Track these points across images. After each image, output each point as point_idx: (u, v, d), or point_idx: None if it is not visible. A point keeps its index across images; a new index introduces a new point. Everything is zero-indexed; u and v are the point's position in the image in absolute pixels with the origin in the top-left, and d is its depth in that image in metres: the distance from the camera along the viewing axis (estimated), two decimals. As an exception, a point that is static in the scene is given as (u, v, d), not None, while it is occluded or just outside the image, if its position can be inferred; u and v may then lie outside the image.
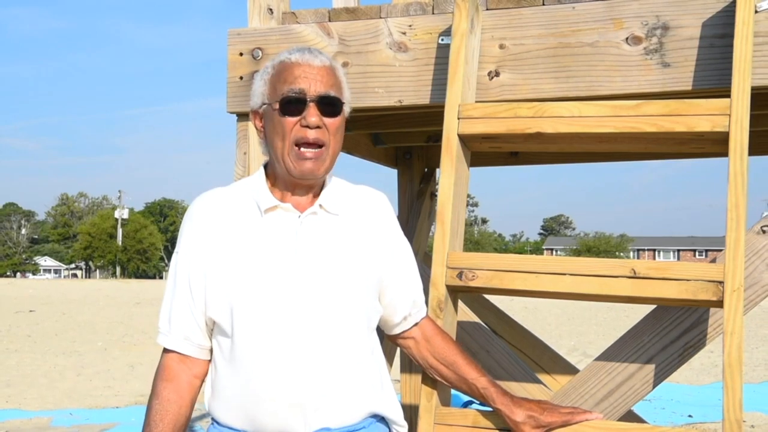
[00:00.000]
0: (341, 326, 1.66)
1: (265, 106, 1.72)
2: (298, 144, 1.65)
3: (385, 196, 1.86)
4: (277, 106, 1.67)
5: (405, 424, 1.80)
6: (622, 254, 76.10)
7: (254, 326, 1.63)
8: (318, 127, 1.65)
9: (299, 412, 1.61)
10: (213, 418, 1.71)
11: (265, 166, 1.78)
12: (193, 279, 1.68)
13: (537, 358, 3.23)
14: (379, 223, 1.79)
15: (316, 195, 1.73)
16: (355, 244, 1.72)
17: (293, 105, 1.66)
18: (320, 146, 1.66)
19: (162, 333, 1.72)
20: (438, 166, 2.37)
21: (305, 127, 1.64)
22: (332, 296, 1.65)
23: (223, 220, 1.70)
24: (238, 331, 1.63)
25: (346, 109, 1.73)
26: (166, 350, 1.72)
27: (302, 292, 1.63)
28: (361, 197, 1.80)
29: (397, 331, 1.86)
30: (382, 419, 1.75)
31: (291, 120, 1.65)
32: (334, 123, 1.67)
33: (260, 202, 1.70)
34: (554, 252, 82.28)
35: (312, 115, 1.64)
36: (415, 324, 1.86)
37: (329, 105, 1.67)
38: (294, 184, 1.70)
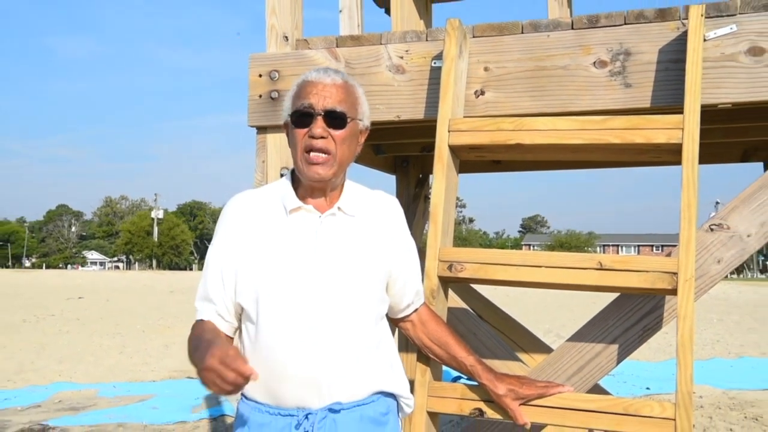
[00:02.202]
0: (353, 314, 1.65)
1: (288, 118, 1.71)
2: (308, 151, 1.64)
3: (396, 200, 1.84)
4: (290, 119, 1.67)
5: (412, 397, 1.80)
6: (589, 249, 76.08)
7: (277, 313, 1.62)
8: (323, 137, 1.63)
9: (315, 389, 1.60)
10: (242, 394, 1.70)
11: (293, 172, 1.77)
12: (225, 269, 1.67)
13: (517, 339, 3.23)
14: (390, 224, 1.78)
15: (335, 198, 1.72)
16: (368, 243, 1.71)
17: (303, 118, 1.65)
18: (327, 153, 1.64)
19: (198, 310, 1.70)
20: (431, 172, 2.37)
21: (312, 137, 1.63)
22: (346, 288, 1.64)
23: (254, 218, 1.69)
24: (263, 317, 1.62)
25: (361, 123, 1.72)
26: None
27: (320, 284, 1.62)
28: (376, 201, 1.79)
29: (399, 316, 1.86)
30: (390, 394, 1.73)
31: (301, 131, 1.65)
32: (340, 134, 1.65)
33: (286, 203, 1.69)
34: (532, 247, 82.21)
35: (318, 126, 1.63)
36: (415, 310, 1.86)
37: (335, 118, 1.65)
38: (311, 187, 1.69)
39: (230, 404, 6.50)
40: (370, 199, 1.78)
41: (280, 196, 1.71)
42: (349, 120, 1.66)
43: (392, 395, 1.74)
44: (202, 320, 1.69)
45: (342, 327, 1.63)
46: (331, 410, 1.61)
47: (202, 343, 1.56)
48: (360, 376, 1.65)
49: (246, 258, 1.65)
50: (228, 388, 1.40)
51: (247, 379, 1.40)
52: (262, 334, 1.63)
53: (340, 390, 1.62)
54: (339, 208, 1.70)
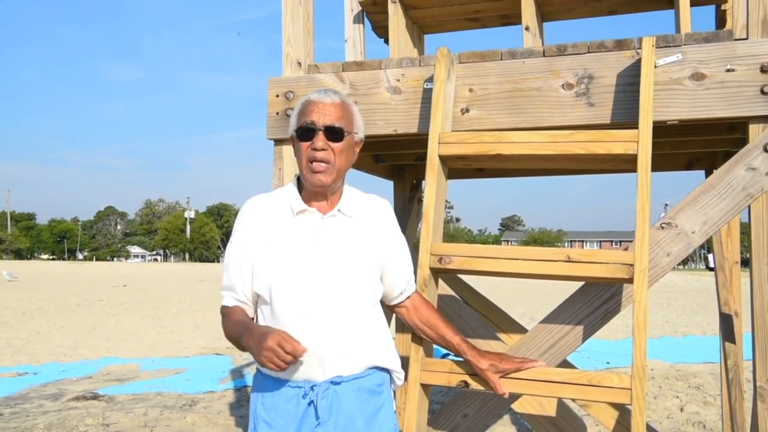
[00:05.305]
0: (352, 300, 1.64)
1: (293, 133, 1.71)
2: (311, 161, 1.63)
3: (388, 202, 1.84)
4: (295, 134, 1.67)
5: (402, 371, 1.79)
6: (559, 244, 75.97)
7: (287, 299, 1.61)
8: (324, 149, 1.63)
9: (319, 363, 1.60)
10: (258, 368, 1.70)
11: (298, 178, 1.76)
12: (244, 262, 1.67)
13: (497, 321, 3.21)
14: (383, 223, 1.77)
15: (336, 201, 1.71)
16: (364, 239, 1.70)
17: (306, 133, 1.64)
18: (327, 163, 1.63)
19: (224, 297, 1.71)
20: (424, 178, 2.36)
21: (314, 150, 1.63)
22: (346, 278, 1.64)
23: (266, 218, 1.69)
24: (275, 302, 1.62)
25: (356, 136, 1.71)
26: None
27: (323, 275, 1.62)
28: (370, 203, 1.78)
29: (394, 302, 1.85)
30: (384, 369, 1.73)
31: (305, 144, 1.64)
32: (338, 146, 1.64)
33: (293, 206, 1.69)
34: (510, 243, 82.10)
35: (319, 140, 1.63)
36: (408, 297, 1.85)
37: (334, 133, 1.64)
38: (314, 192, 1.68)
39: (252, 377, 6.49)
40: (366, 201, 1.77)
41: (287, 200, 1.71)
42: (345, 134, 1.66)
43: (386, 369, 1.73)
44: (230, 307, 1.69)
45: (342, 311, 1.62)
46: (333, 383, 1.61)
47: (247, 327, 1.58)
48: (358, 353, 1.64)
49: (260, 253, 1.65)
50: (283, 366, 1.45)
51: (298, 356, 1.46)
52: (275, 318, 1.62)
53: (340, 365, 1.61)
54: (339, 210, 1.70)
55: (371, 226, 1.73)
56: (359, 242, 1.69)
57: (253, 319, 1.70)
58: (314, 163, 1.63)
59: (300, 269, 1.62)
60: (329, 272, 1.62)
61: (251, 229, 1.68)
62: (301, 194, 1.71)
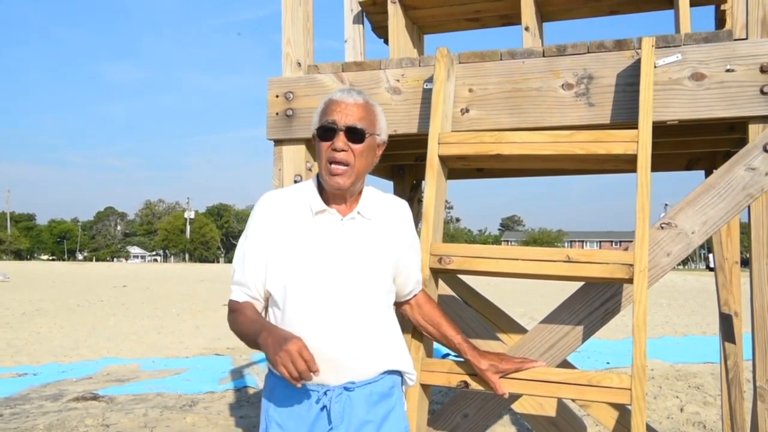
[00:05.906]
0: (368, 305, 1.63)
1: (314, 132, 1.69)
2: (330, 162, 1.61)
3: (406, 203, 1.81)
4: (316, 133, 1.65)
5: (414, 372, 1.78)
6: (559, 244, 75.92)
7: (303, 302, 1.59)
8: (344, 150, 1.60)
9: (332, 368, 1.58)
10: (269, 368, 1.68)
11: (318, 177, 1.73)
12: (258, 259, 1.64)
13: (496, 321, 3.21)
14: (399, 225, 1.75)
15: (355, 202, 1.69)
16: (381, 242, 1.68)
17: (327, 132, 1.62)
18: (346, 165, 1.61)
19: (234, 292, 1.68)
20: (424, 178, 2.36)
21: (334, 150, 1.61)
22: (363, 283, 1.62)
23: (283, 215, 1.66)
24: (290, 304, 1.60)
25: (378, 137, 1.68)
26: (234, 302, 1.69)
27: (341, 279, 1.60)
28: (388, 204, 1.76)
29: (401, 300, 1.84)
30: (395, 371, 1.71)
31: (325, 144, 1.62)
32: (359, 148, 1.61)
33: (312, 206, 1.66)
34: (509, 243, 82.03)
35: (339, 140, 1.60)
36: (414, 296, 1.85)
37: (355, 134, 1.61)
38: (333, 193, 1.66)
39: (252, 377, 6.49)
40: (384, 202, 1.75)
41: (306, 199, 1.68)
42: (367, 135, 1.63)
43: (398, 372, 1.72)
44: (240, 302, 1.66)
45: (358, 316, 1.61)
46: (346, 388, 1.60)
47: (266, 326, 1.54)
48: (371, 358, 1.63)
49: (276, 251, 1.63)
50: (294, 374, 1.41)
51: (311, 373, 1.41)
52: (288, 319, 1.60)
53: (354, 370, 1.61)
54: (358, 212, 1.67)
55: (388, 228, 1.71)
56: (377, 246, 1.67)
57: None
58: (333, 165, 1.60)
59: (318, 271, 1.60)
60: (347, 276, 1.61)
61: (267, 225, 1.65)
62: (320, 193, 1.69)
